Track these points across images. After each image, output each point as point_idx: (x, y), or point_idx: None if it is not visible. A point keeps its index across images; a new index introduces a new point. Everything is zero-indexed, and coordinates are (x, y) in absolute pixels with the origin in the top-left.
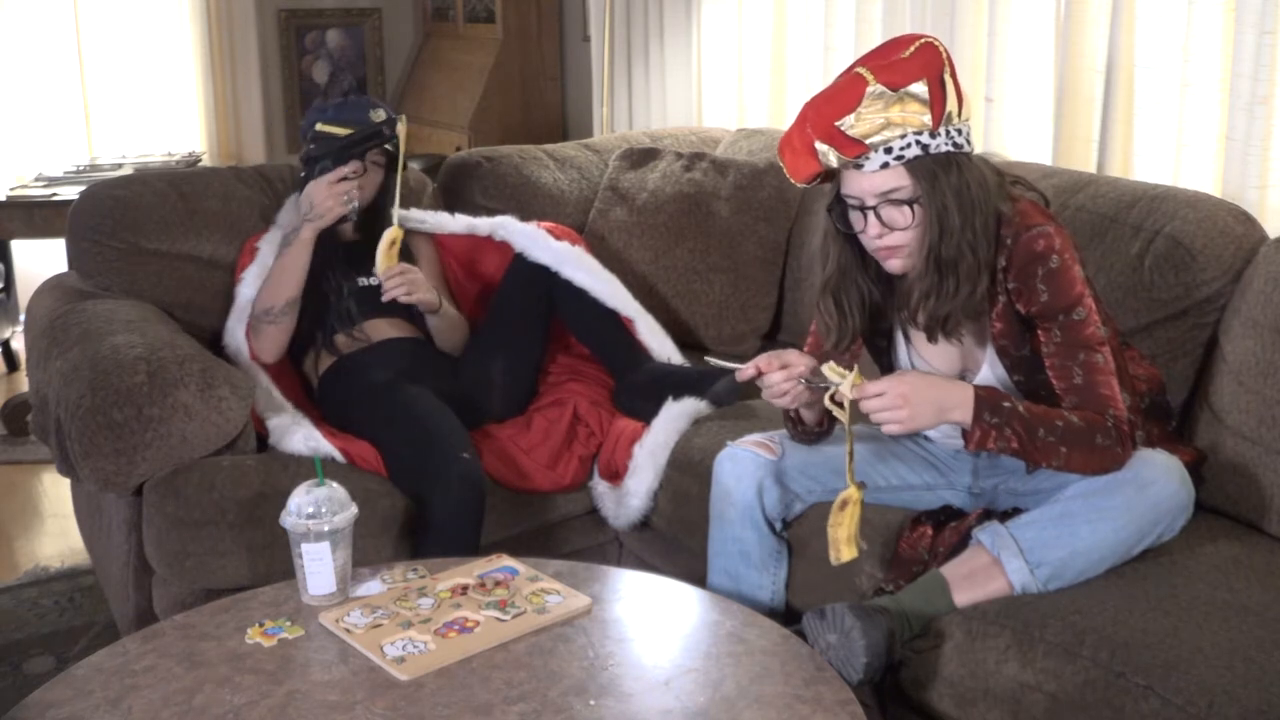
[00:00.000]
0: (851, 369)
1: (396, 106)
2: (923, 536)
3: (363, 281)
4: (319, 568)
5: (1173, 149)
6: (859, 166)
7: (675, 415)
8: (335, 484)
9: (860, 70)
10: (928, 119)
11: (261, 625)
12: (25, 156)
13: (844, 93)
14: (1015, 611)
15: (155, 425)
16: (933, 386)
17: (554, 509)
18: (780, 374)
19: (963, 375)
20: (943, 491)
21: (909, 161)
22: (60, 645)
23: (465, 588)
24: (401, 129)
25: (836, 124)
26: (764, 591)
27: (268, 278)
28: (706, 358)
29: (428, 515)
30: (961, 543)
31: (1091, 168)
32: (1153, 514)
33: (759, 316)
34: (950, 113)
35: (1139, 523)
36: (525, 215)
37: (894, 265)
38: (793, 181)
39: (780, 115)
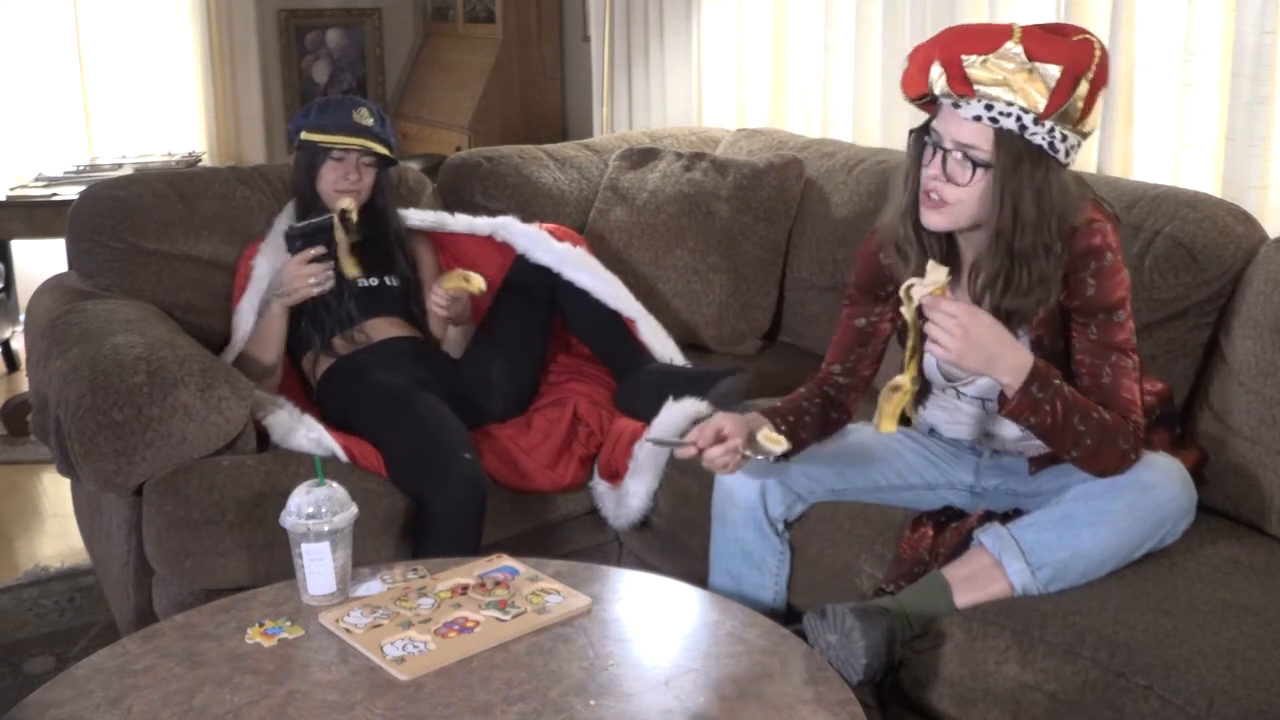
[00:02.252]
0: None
1: (397, 106)
2: (923, 537)
3: (362, 283)
4: (319, 568)
5: (1173, 149)
6: (957, 106)
7: (676, 415)
8: (335, 484)
9: (1015, 25)
10: (1042, 104)
11: (261, 625)
12: (25, 156)
13: (987, 34)
14: (1015, 612)
15: (155, 425)
16: (997, 341)
17: (554, 509)
18: (718, 449)
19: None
20: (944, 491)
21: (1001, 130)
22: (60, 645)
23: (465, 588)
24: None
25: (963, 56)
26: (766, 592)
27: (250, 336)
28: (648, 437)
29: (428, 515)
30: (963, 544)
31: (1092, 168)
32: (1155, 517)
33: (759, 316)
34: (1067, 112)
35: (1141, 526)
36: (525, 215)
37: (930, 218)
38: (902, 93)
39: (780, 115)
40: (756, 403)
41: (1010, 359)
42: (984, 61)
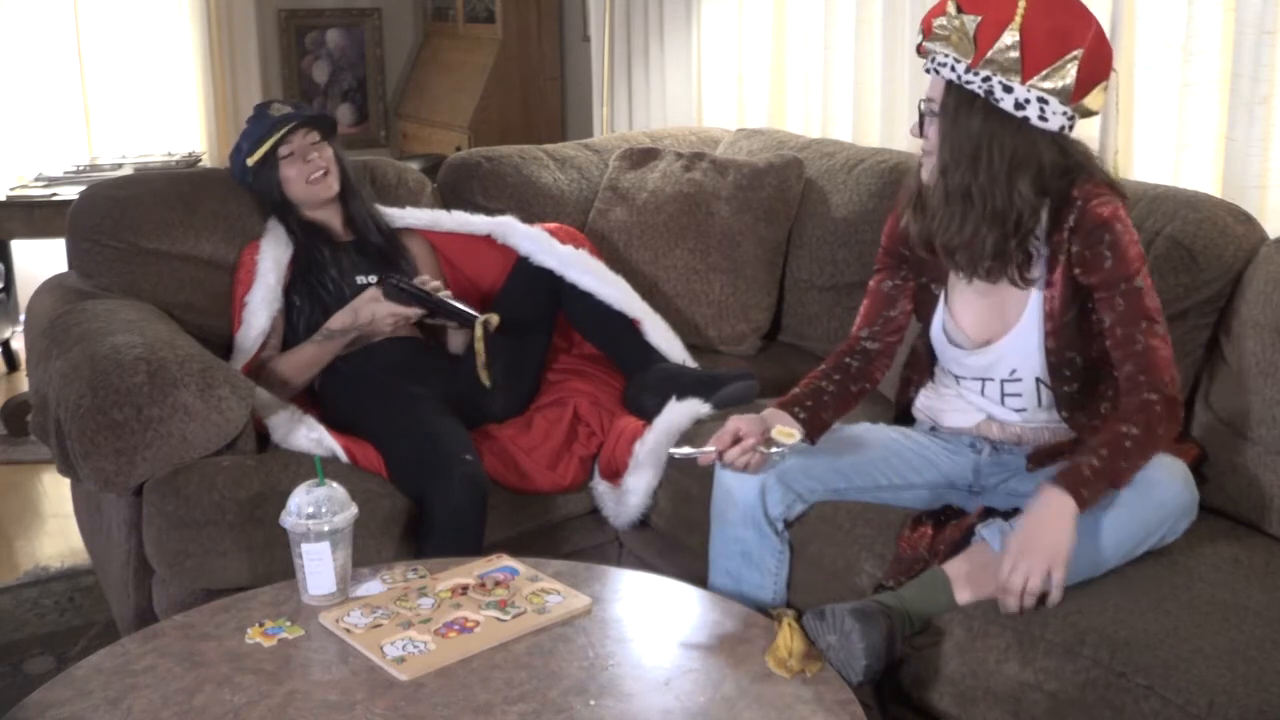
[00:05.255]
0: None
1: (397, 106)
2: (923, 536)
3: (360, 280)
4: (319, 568)
5: (1173, 149)
6: (927, 70)
7: (677, 415)
8: (335, 484)
9: None
10: (971, 51)
11: (261, 625)
12: (25, 156)
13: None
14: None
15: (155, 425)
16: (1041, 534)
17: (554, 509)
18: (735, 450)
19: (990, 341)
20: (943, 490)
21: (947, 81)
22: (60, 645)
23: (465, 588)
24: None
25: (934, 20)
26: (765, 591)
27: (293, 356)
28: (672, 450)
29: (429, 517)
30: (964, 540)
31: None
32: (1157, 515)
33: (759, 316)
34: (998, 61)
35: (1143, 524)
36: (525, 215)
37: (922, 174)
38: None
39: (780, 115)
40: (761, 402)
41: (1062, 525)
42: (938, 22)
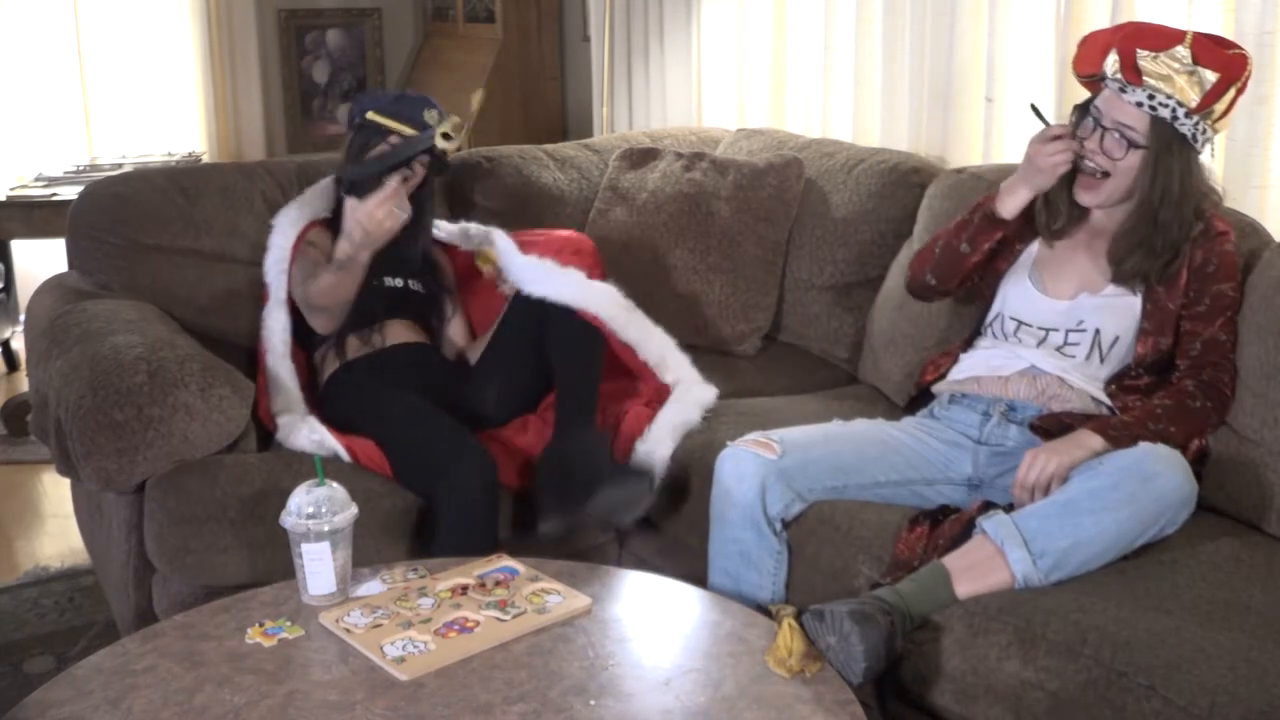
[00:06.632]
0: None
1: None
2: (920, 537)
3: (389, 282)
4: (319, 568)
5: None
6: (1123, 91)
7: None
8: (335, 484)
9: (1189, 32)
10: (1195, 101)
11: (261, 625)
12: (25, 156)
13: (1164, 34)
14: (1018, 608)
15: (156, 425)
16: (1059, 445)
17: None
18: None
19: (1074, 295)
20: (942, 487)
21: (1157, 117)
22: (60, 645)
23: (465, 588)
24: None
25: (1138, 49)
26: (763, 592)
27: (320, 280)
28: (1032, 104)
29: (439, 511)
30: (963, 534)
31: None
32: (1156, 506)
33: (759, 316)
34: (1213, 111)
35: (1142, 515)
36: (526, 215)
37: (1083, 197)
38: (1072, 70)
39: (780, 115)
40: (755, 402)
41: (1080, 448)
42: (1154, 57)
